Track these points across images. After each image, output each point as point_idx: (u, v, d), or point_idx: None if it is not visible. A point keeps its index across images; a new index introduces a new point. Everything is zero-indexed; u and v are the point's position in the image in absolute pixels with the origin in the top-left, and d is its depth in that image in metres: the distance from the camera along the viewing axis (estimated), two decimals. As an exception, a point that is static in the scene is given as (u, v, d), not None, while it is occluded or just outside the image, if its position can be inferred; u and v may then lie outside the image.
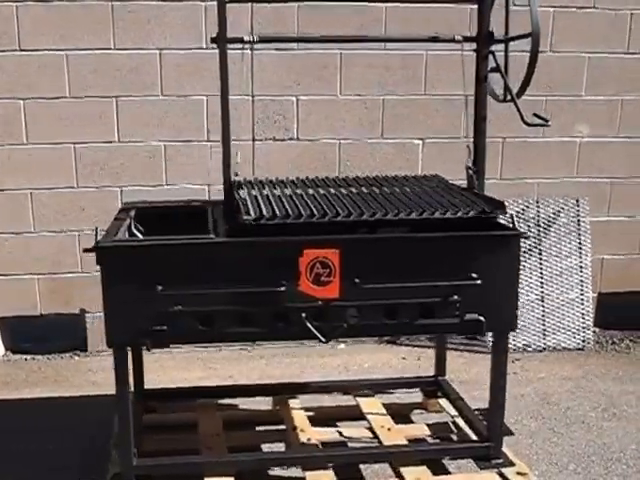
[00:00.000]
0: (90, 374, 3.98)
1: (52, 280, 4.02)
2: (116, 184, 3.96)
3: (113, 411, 3.23)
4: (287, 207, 2.59)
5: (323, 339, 2.52)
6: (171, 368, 4.06)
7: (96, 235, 2.45)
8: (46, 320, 4.11)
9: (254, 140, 3.95)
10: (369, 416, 3.19)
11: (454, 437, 3.13)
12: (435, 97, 4.12)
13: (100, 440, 3.07)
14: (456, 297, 2.59)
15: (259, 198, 2.74)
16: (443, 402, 3.34)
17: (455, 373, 3.84)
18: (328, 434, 3.07)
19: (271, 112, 3.98)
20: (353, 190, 2.90)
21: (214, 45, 2.72)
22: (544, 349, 4.42)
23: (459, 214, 2.60)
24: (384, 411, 3.25)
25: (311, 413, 3.21)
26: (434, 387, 3.42)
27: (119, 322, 2.47)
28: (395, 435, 3.03)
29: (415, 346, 4.45)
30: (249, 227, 2.49)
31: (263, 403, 3.42)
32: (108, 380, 4.00)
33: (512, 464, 2.82)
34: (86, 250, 2.48)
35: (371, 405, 3.30)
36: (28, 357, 4.17)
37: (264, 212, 2.51)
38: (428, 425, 3.18)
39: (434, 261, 2.59)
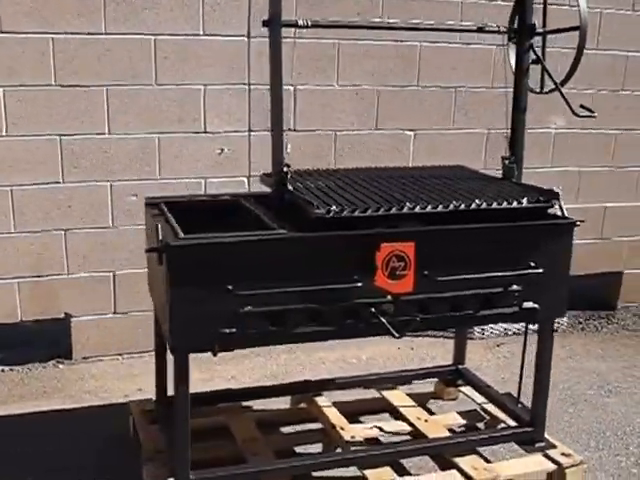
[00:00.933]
0: (82, 383, 3.68)
1: (34, 284, 3.69)
2: (105, 178, 3.68)
3: (121, 422, 3.05)
4: (352, 200, 2.48)
5: (397, 334, 2.44)
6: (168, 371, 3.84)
7: (157, 233, 2.25)
8: (26, 327, 3.77)
9: (250, 131, 3.80)
10: (401, 409, 3.15)
11: (482, 424, 3.16)
12: (427, 89, 4.11)
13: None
14: (516, 286, 2.60)
15: (315, 190, 2.61)
16: (467, 390, 3.34)
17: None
18: (368, 430, 2.99)
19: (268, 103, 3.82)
20: (399, 181, 2.83)
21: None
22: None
23: (524, 204, 2.59)
24: (413, 403, 3.22)
25: (341, 409, 3.13)
26: (455, 375, 3.43)
27: (185, 326, 2.28)
28: (434, 426, 3.00)
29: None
30: (323, 221, 2.37)
31: (282, 402, 3.30)
32: (104, 387, 3.77)
33: (554, 446, 2.86)
34: (150, 250, 2.27)
35: (398, 398, 3.25)
36: (6, 368, 3.82)
37: (332, 206, 2.39)
38: (459, 413, 3.19)
39: (498, 251, 2.57)
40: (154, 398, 3.06)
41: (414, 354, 4.15)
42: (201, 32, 3.64)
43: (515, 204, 2.55)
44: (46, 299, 3.73)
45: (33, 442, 3.09)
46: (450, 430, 3.04)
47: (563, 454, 2.79)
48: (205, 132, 3.76)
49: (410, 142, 4.16)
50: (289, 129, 3.89)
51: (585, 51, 2.65)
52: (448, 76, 4.16)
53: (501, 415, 3.07)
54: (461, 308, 2.55)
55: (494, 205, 2.52)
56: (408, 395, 3.29)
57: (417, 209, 2.46)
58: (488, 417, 3.13)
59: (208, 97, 3.72)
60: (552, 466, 2.74)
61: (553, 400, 3.56)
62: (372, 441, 2.93)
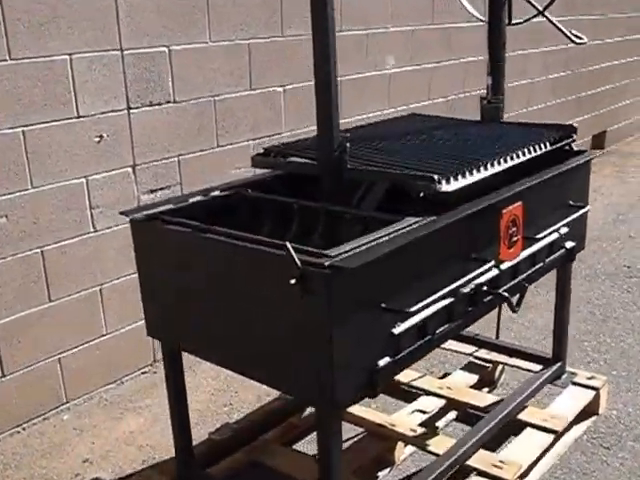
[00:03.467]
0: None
1: None
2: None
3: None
4: (430, 168, 2.04)
5: (516, 309, 2.12)
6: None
7: (292, 256, 1.57)
8: None
9: (129, 109, 2.98)
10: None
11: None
12: (292, 39, 3.62)
13: None
14: (565, 228, 2.46)
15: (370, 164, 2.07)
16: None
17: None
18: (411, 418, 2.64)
19: (143, 69, 2.98)
20: (413, 141, 2.42)
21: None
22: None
23: (563, 142, 2.44)
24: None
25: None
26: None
27: (347, 371, 1.66)
28: (467, 393, 2.76)
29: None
30: (449, 198, 1.91)
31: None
32: (36, 473, 2.70)
33: (574, 374, 2.86)
34: (297, 280, 1.58)
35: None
36: None
37: (450, 176, 1.93)
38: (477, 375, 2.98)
39: (553, 197, 2.39)
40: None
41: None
42: (58, -16, 2.65)
43: (559, 144, 2.39)
44: None
45: None
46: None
47: (589, 378, 2.82)
48: (79, 117, 2.80)
49: (280, 98, 3.66)
50: (167, 101, 3.12)
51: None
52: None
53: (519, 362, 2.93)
54: (535, 261, 2.34)
55: (546, 148, 2.31)
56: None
57: (501, 165, 2.14)
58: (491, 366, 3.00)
59: (76, 71, 2.76)
60: (592, 393, 2.75)
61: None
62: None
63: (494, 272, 2.05)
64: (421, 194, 1.94)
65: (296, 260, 1.57)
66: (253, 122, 3.51)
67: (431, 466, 2.20)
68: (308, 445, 2.66)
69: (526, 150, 2.26)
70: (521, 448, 2.41)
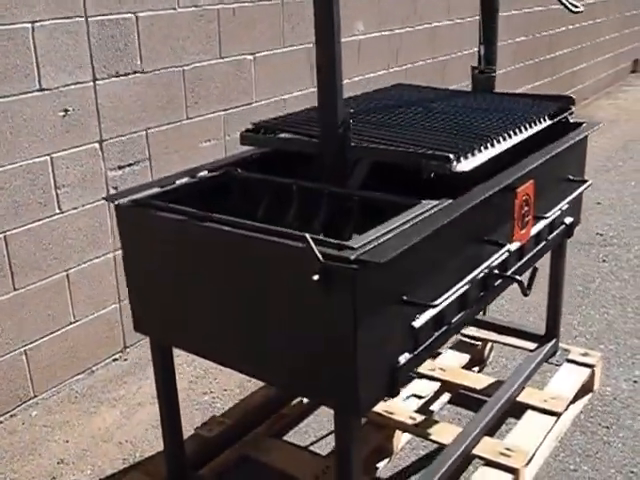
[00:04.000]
0: None
1: None
2: None
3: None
4: (438, 144, 1.89)
5: (527, 292, 2.01)
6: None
7: (312, 248, 1.40)
8: None
9: (95, 80, 2.75)
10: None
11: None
12: (263, 3, 3.39)
13: None
14: (566, 204, 2.35)
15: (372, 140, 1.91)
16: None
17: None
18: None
19: (109, 37, 2.72)
20: (414, 114, 2.25)
21: None
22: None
23: (566, 114, 2.33)
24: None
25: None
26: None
27: (369, 372, 1.51)
28: (460, 374, 2.67)
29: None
30: (463, 178, 1.77)
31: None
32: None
33: (568, 350, 2.80)
34: (320, 275, 1.41)
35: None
36: None
37: (463, 155, 1.78)
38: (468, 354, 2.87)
39: (557, 173, 2.27)
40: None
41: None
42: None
43: (561, 116, 2.27)
44: None
45: None
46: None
47: (583, 355, 2.75)
48: (42, 89, 2.54)
49: (251, 67, 3.44)
50: (135, 71, 2.88)
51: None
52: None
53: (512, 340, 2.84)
54: (539, 239, 2.22)
55: (550, 120, 2.19)
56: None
57: (512, 139, 2.01)
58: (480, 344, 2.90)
59: (38, 40, 2.49)
60: (587, 370, 2.68)
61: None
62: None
63: (505, 255, 1.93)
64: (432, 175, 1.79)
65: (317, 254, 1.40)
66: (223, 92, 3.29)
67: (441, 458, 2.09)
68: (299, 436, 2.53)
69: (532, 123, 2.13)
70: (525, 433, 2.33)
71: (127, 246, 1.85)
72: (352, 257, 1.40)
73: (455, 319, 1.80)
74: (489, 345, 2.91)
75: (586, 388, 2.65)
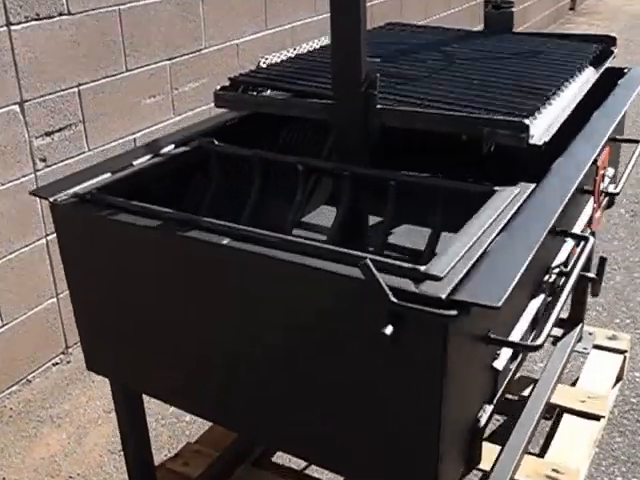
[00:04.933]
0: None
1: None
2: None
3: None
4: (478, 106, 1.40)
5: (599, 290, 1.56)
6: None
7: (379, 284, 0.90)
8: None
9: (9, 24, 2.13)
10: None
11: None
12: None
13: None
14: (612, 170, 1.91)
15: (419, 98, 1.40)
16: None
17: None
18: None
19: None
20: (441, 60, 1.74)
21: None
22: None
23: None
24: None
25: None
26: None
27: (454, 436, 1.05)
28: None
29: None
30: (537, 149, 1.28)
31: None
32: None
33: (590, 333, 2.42)
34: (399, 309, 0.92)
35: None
36: None
37: (525, 121, 1.30)
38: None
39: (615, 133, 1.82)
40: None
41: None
42: None
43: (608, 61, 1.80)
44: None
45: None
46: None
47: (611, 338, 2.38)
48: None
49: (199, 7, 2.83)
50: (60, 13, 2.24)
51: None
52: None
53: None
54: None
55: (602, 67, 1.73)
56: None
57: (576, 95, 1.53)
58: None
59: None
60: (619, 358, 2.31)
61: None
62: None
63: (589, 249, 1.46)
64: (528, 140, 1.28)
65: (387, 291, 0.90)
66: (168, 38, 2.68)
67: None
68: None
69: (586, 72, 1.66)
70: (568, 445, 1.93)
71: (71, 259, 1.30)
72: (443, 296, 0.90)
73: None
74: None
75: (617, 377, 2.28)
